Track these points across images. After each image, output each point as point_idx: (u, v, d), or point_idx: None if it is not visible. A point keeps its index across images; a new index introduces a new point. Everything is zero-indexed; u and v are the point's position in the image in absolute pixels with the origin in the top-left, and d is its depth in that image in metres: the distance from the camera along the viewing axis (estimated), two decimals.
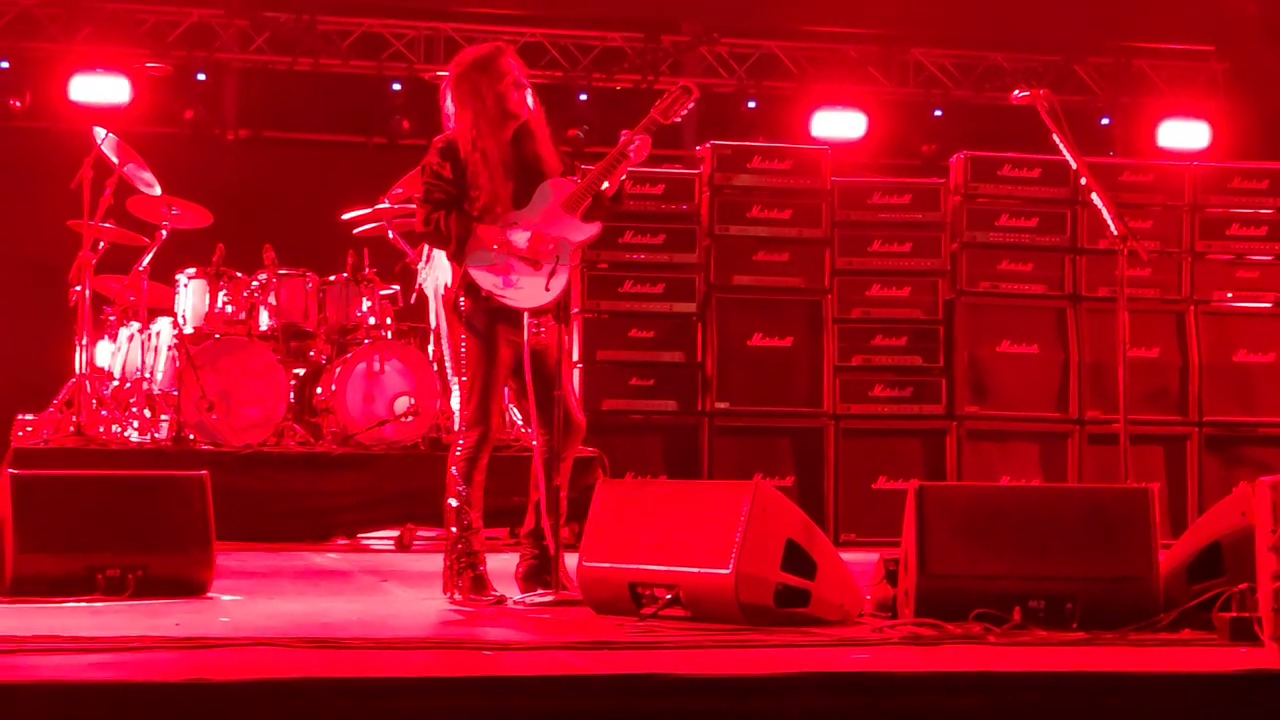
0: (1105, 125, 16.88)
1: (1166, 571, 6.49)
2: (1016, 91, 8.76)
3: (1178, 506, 11.90)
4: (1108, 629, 6.19)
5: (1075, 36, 16.47)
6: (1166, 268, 12.18)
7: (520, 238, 7.42)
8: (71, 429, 11.01)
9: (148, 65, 12.00)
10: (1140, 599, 6.34)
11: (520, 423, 10.81)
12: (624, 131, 7.52)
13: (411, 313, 11.91)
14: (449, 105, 7.61)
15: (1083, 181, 9.09)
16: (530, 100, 7.57)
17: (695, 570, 6.50)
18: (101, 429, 11.24)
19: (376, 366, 11.31)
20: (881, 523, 11.33)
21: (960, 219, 12.17)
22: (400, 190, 11.52)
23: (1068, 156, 8.61)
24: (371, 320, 11.64)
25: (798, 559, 6.50)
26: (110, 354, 12.06)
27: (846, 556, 6.89)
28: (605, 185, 7.50)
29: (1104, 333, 11.51)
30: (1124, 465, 8.39)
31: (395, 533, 11.02)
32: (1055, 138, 8.57)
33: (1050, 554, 6.40)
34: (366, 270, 11.72)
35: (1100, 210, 8.47)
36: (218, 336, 11.32)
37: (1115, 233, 8.38)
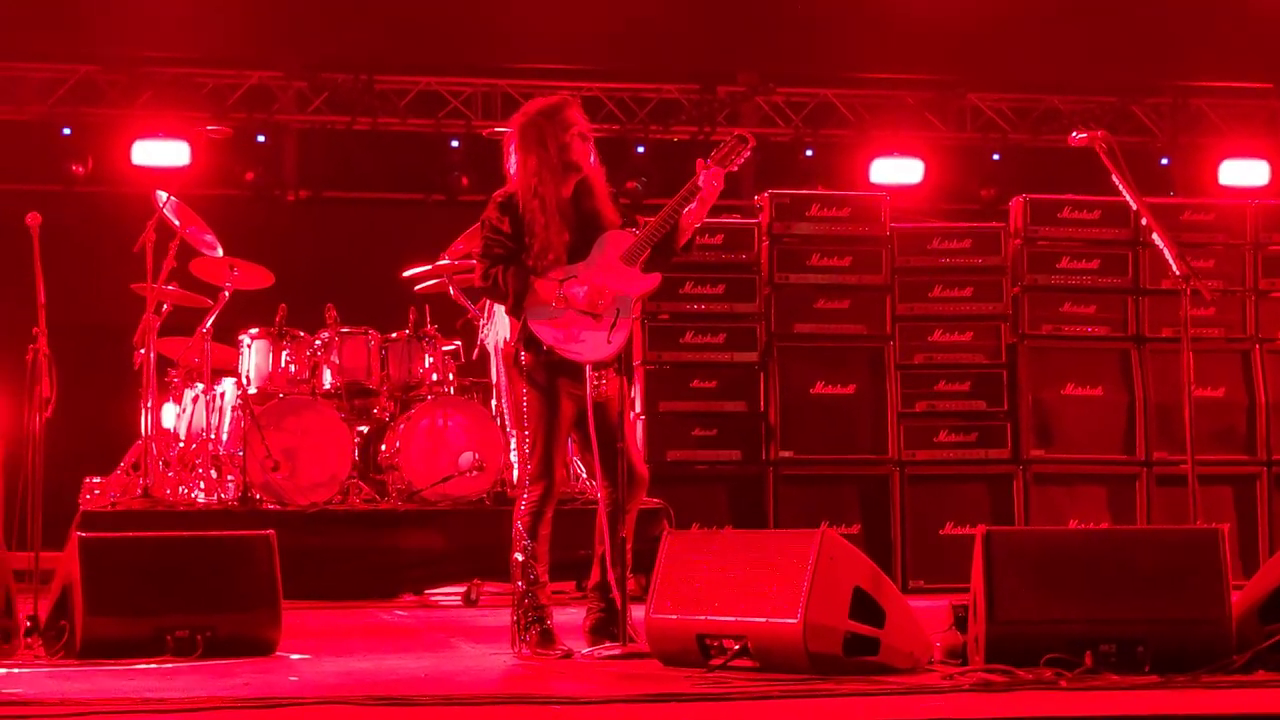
0: (1165, 165, 16.82)
1: (1239, 613, 6.43)
2: (1075, 134, 8.72)
3: (1248, 546, 11.80)
4: (1180, 672, 6.14)
5: (1133, 77, 16.43)
6: (1230, 307, 12.10)
7: (578, 291, 7.43)
8: (139, 491, 11.07)
9: (208, 128, 12.08)
10: (1212, 641, 6.28)
11: (584, 476, 10.82)
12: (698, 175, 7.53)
13: (474, 368, 11.94)
14: (512, 155, 7.64)
15: (1143, 222, 9.05)
16: (592, 155, 7.60)
17: (763, 620, 6.48)
18: (168, 490, 11.29)
19: (440, 422, 11.33)
20: (949, 568, 11.27)
21: (1021, 262, 12.12)
22: (460, 246, 11.57)
23: (1128, 198, 8.57)
24: (434, 376, 11.66)
25: (866, 607, 6.47)
26: (175, 415, 12.11)
27: (915, 603, 6.85)
28: (677, 226, 7.50)
29: (1169, 373, 11.44)
30: (1193, 506, 8.32)
31: (462, 588, 11.02)
32: (1115, 179, 8.54)
33: (1120, 597, 6.36)
34: (428, 327, 11.75)
35: (1162, 250, 8.42)
36: (282, 396, 11.35)
37: (1177, 273, 8.33)
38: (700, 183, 7.46)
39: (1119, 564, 6.45)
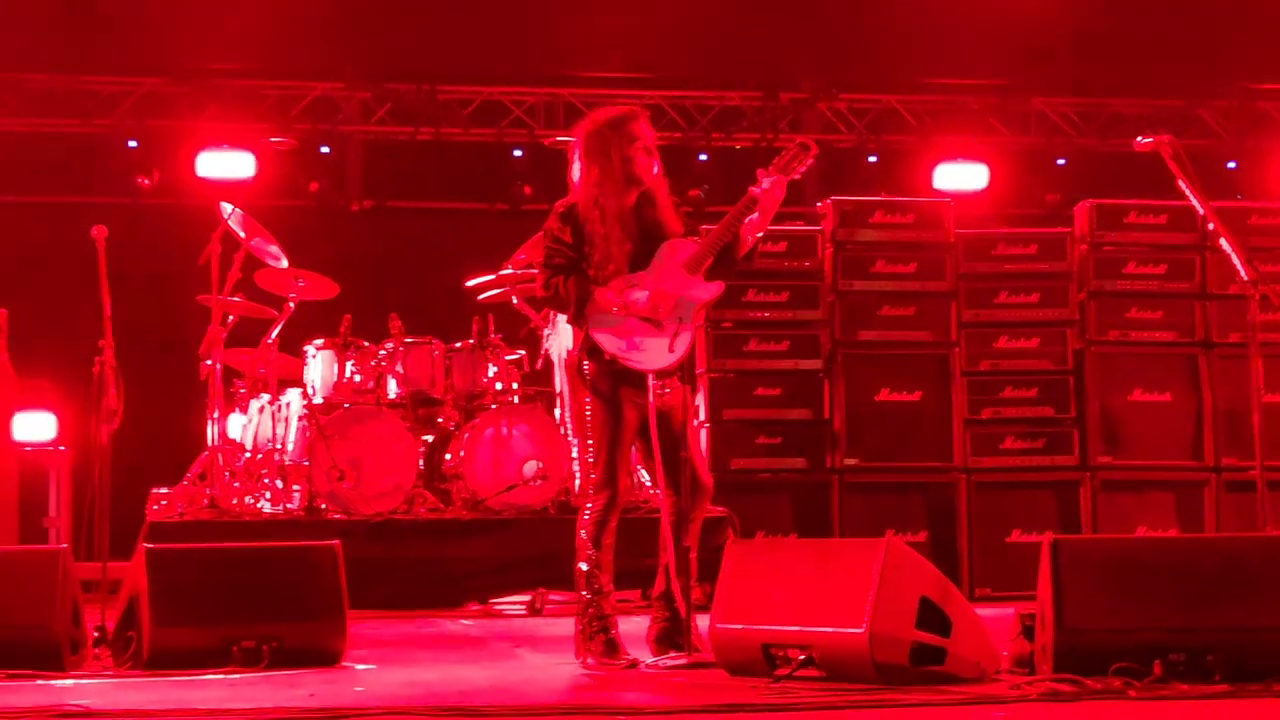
0: (1232, 169, 16.69)
1: None
2: (1140, 138, 8.67)
3: None
4: (1251, 681, 6.09)
5: (1198, 81, 16.32)
6: None
7: (640, 297, 7.42)
8: (205, 502, 11.12)
9: (272, 140, 12.15)
10: None
11: (648, 484, 10.80)
12: (751, 188, 7.52)
13: (537, 377, 11.95)
14: (575, 164, 7.64)
15: (1210, 226, 8.97)
16: (655, 168, 7.59)
17: (829, 630, 6.45)
18: (234, 501, 11.33)
19: (504, 431, 11.34)
20: (1016, 576, 11.17)
21: (1087, 268, 12.04)
22: (523, 256, 11.58)
23: (1194, 202, 8.51)
24: (498, 386, 11.67)
25: (932, 616, 6.44)
26: (241, 426, 12.17)
27: (982, 612, 6.81)
28: (738, 237, 7.50)
29: (1237, 378, 11.34)
30: (1262, 513, 8.25)
31: (527, 597, 11.02)
32: (1181, 183, 8.48)
33: (1189, 605, 6.31)
34: (491, 336, 11.77)
35: (1229, 255, 8.36)
36: (347, 406, 11.38)
37: (1245, 277, 8.26)
38: (758, 191, 7.44)
39: (1188, 572, 6.41)
